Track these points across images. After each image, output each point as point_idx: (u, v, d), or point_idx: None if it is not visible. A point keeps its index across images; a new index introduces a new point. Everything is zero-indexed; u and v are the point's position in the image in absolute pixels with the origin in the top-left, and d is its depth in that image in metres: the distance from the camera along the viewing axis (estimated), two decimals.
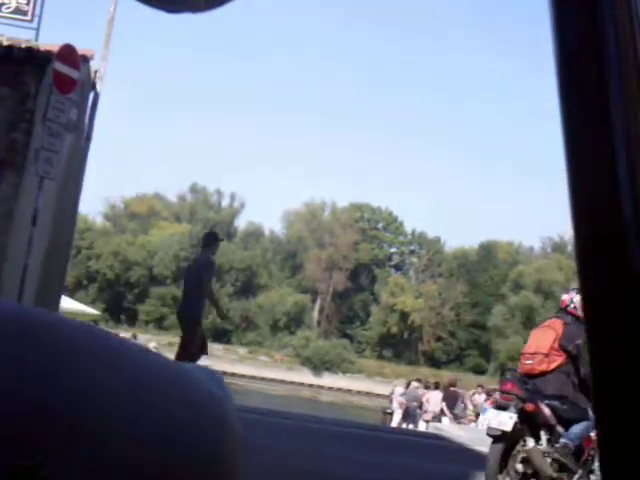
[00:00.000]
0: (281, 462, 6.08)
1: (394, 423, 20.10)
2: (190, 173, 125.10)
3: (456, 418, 18.80)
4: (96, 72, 9.97)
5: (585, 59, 0.45)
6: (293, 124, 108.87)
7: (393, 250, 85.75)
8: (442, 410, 18.91)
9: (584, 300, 0.44)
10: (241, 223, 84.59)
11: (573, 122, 0.45)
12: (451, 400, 19.11)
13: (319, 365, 64.04)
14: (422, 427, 18.78)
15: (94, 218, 79.14)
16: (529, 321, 69.83)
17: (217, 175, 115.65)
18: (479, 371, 69.01)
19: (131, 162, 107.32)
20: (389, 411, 21.32)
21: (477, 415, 20.61)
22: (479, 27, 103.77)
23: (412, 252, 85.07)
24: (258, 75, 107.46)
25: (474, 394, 22.10)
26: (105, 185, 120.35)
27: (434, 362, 72.71)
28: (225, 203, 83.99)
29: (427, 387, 20.97)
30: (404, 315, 74.77)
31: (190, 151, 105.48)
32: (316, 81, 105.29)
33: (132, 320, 73.42)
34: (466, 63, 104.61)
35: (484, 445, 10.00)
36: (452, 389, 19.79)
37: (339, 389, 57.02)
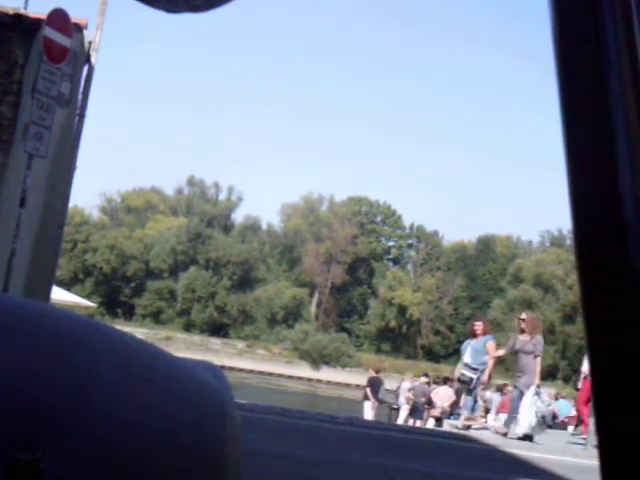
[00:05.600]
0: (296, 470, 5.49)
1: (400, 419, 19.53)
2: (187, 166, 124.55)
3: (380, 402, 20.59)
4: (90, 43, 9.31)
5: (585, 59, 0.45)
6: (292, 118, 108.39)
7: (391, 244, 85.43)
8: (365, 394, 20.77)
9: (584, 299, 0.44)
10: (239, 217, 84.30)
11: (573, 121, 0.45)
12: (375, 386, 20.63)
13: (317, 359, 63.69)
14: (430, 424, 18.26)
15: (91, 212, 78.76)
16: None
17: (215, 168, 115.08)
18: None
19: (128, 155, 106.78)
20: (395, 407, 20.77)
21: (487, 411, 20.05)
22: (479, 25, 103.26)
23: (410, 246, 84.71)
24: (257, 70, 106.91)
25: (483, 389, 21.51)
26: (102, 179, 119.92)
27: (433, 356, 72.44)
28: (222, 196, 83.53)
29: (436, 382, 20.40)
30: (402, 309, 74.43)
31: (187, 144, 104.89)
32: (314, 75, 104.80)
33: (129, 314, 73.00)
34: (466, 58, 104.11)
35: (514, 447, 9.45)
36: (376, 375, 21.43)
37: (338, 383, 56.60)
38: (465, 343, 12.49)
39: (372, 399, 20.28)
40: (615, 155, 0.43)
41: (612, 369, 0.43)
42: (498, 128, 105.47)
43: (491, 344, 11.94)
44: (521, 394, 11.43)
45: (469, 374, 12.00)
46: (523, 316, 12.04)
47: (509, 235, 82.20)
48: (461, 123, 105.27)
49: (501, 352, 12.17)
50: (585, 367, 13.07)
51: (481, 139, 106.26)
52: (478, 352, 11.90)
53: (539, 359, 11.43)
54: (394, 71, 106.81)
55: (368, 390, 20.55)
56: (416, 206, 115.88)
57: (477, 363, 11.87)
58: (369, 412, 19.97)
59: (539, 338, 11.68)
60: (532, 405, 11.14)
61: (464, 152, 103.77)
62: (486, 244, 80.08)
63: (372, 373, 22.05)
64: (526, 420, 11.18)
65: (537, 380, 11.35)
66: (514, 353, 11.73)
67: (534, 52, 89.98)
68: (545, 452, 9.35)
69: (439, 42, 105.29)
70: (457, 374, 12.86)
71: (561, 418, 20.77)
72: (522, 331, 11.65)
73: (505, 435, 11.29)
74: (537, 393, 11.29)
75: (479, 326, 12.24)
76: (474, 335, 12.17)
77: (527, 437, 11.25)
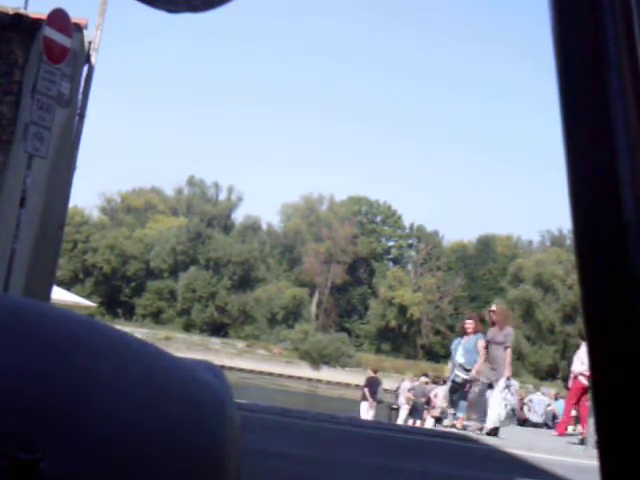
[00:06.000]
0: (296, 470, 5.49)
1: (400, 419, 19.53)
2: (187, 166, 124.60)
3: (379, 402, 20.71)
4: (90, 43, 9.31)
5: (585, 59, 0.45)
6: (292, 118, 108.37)
7: (391, 244, 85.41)
8: (364, 395, 21.01)
9: (584, 299, 0.45)
10: (239, 216, 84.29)
11: (573, 121, 0.45)
12: (373, 386, 20.73)
13: (317, 359, 63.68)
14: (429, 424, 18.25)
15: (91, 212, 78.77)
16: (528, 315, 69.59)
17: (215, 168, 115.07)
18: None
19: (128, 155, 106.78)
20: (395, 406, 20.77)
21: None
22: (479, 25, 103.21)
23: (410, 246, 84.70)
24: (257, 70, 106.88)
25: None
26: (102, 179, 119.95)
27: (433, 356, 72.37)
28: (222, 196, 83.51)
29: (436, 382, 20.40)
30: (403, 309, 74.41)
31: (188, 144, 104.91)
32: (315, 76, 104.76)
33: (129, 314, 73.00)
34: (466, 58, 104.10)
35: (514, 447, 9.44)
36: (374, 375, 21.50)
37: (338, 383, 56.59)
38: (455, 342, 12.26)
39: (370, 399, 20.40)
40: (615, 155, 0.43)
41: (612, 369, 0.43)
42: (498, 128, 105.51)
43: (482, 343, 11.71)
44: (491, 386, 11.22)
45: (463, 375, 11.74)
46: (493, 308, 11.97)
47: (509, 235, 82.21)
48: (461, 123, 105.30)
49: (482, 348, 12.07)
50: (575, 367, 12.95)
51: (481, 139, 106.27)
52: (470, 352, 11.69)
53: (509, 350, 11.29)
54: (394, 71, 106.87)
55: (366, 390, 20.72)
56: (416, 206, 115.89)
57: (470, 364, 11.65)
58: (366, 412, 20.04)
59: (509, 329, 11.57)
60: (502, 398, 10.90)
61: (464, 152, 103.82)
62: (486, 244, 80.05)
63: (370, 373, 22.17)
64: (495, 413, 10.94)
65: (507, 372, 11.16)
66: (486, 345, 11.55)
67: (534, 52, 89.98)
68: (545, 452, 9.34)
69: (439, 42, 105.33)
70: (451, 375, 12.63)
71: (561, 418, 20.77)
72: (493, 323, 11.57)
73: (481, 430, 11.13)
74: (507, 385, 11.08)
75: (470, 324, 12.03)
76: (465, 333, 12.04)
77: (494, 431, 10.96)
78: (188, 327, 71.19)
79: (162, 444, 0.40)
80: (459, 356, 11.76)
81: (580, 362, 12.54)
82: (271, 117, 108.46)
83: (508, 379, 11.16)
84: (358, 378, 59.14)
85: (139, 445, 0.39)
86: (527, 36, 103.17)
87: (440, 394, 18.85)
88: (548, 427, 19.06)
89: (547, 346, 66.74)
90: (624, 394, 0.42)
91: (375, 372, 22.16)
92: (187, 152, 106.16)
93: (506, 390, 11.00)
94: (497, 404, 10.93)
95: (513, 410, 11.21)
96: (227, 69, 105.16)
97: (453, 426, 12.02)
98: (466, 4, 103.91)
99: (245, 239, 78.54)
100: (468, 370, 11.68)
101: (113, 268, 73.66)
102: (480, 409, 11.62)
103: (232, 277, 74.70)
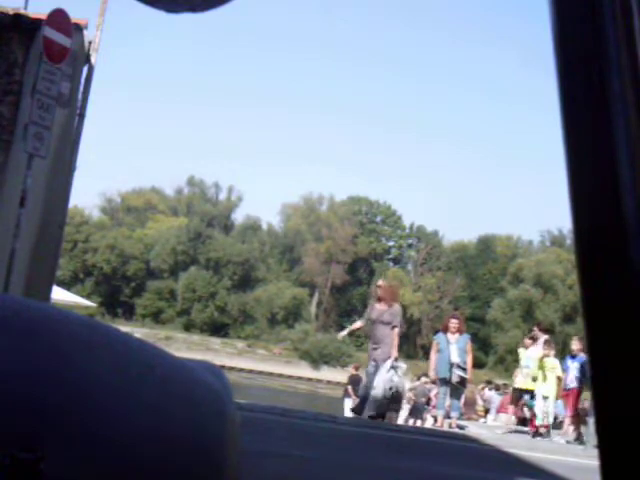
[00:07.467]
0: (296, 470, 5.48)
1: (400, 419, 19.51)
2: (187, 166, 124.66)
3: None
4: (90, 43, 9.32)
5: (585, 59, 0.45)
6: (292, 118, 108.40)
7: (391, 244, 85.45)
8: (346, 391, 21.33)
9: (584, 298, 0.45)
10: (239, 217, 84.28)
11: (573, 121, 0.45)
12: (356, 383, 20.78)
13: (317, 359, 63.70)
14: (429, 423, 18.27)
15: (91, 212, 78.78)
16: (528, 314, 69.60)
17: (215, 168, 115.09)
18: (478, 365, 68.58)
19: (128, 155, 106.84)
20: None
21: (486, 411, 20.09)
22: (480, 25, 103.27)
23: (410, 246, 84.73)
24: (257, 69, 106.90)
25: (483, 389, 21.60)
26: (102, 179, 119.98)
27: None
28: (222, 196, 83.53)
29: (435, 382, 20.40)
30: (403, 309, 74.27)
31: (188, 144, 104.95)
32: (315, 75, 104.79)
33: (129, 314, 73.02)
34: (466, 58, 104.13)
35: (514, 447, 9.44)
36: (356, 373, 21.69)
37: (338, 383, 56.58)
38: (442, 340, 12.10)
39: (353, 396, 20.59)
40: (615, 155, 0.43)
41: (612, 369, 0.43)
42: (498, 128, 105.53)
43: (469, 343, 11.84)
44: (377, 368, 10.70)
45: (462, 374, 11.74)
46: (380, 283, 11.68)
47: (509, 235, 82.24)
48: (461, 123, 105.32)
49: (359, 324, 11.92)
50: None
51: (481, 139, 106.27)
52: (463, 351, 11.72)
53: (397, 330, 10.77)
54: (394, 71, 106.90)
55: (349, 388, 20.99)
56: (416, 206, 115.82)
57: (464, 362, 11.67)
58: (349, 409, 20.31)
59: (397, 308, 11.13)
60: (388, 379, 10.45)
61: (464, 152, 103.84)
62: (486, 244, 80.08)
63: (352, 371, 22.20)
64: (379, 395, 10.48)
65: (395, 353, 10.65)
66: (371, 323, 11.09)
67: (535, 52, 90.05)
68: (545, 452, 9.35)
69: (440, 42, 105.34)
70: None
71: (560, 418, 20.79)
72: (379, 300, 11.14)
73: (360, 414, 10.83)
74: (393, 367, 10.59)
75: (455, 323, 12.01)
76: (447, 331, 11.89)
77: (379, 415, 10.65)
78: (188, 327, 71.18)
79: (162, 444, 0.40)
80: (455, 356, 11.70)
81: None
82: (271, 117, 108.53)
83: (395, 360, 10.68)
84: None
85: (139, 445, 0.39)
86: (527, 36, 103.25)
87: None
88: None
89: None
90: (624, 394, 0.42)
91: (357, 369, 22.31)
92: (187, 152, 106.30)
93: (392, 371, 10.53)
94: (381, 386, 10.47)
95: (398, 392, 10.74)
96: (227, 69, 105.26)
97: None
98: (467, 4, 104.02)
99: (245, 239, 78.54)
100: (464, 368, 11.69)
101: (113, 268, 73.66)
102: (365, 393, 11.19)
103: (232, 277, 74.70)
